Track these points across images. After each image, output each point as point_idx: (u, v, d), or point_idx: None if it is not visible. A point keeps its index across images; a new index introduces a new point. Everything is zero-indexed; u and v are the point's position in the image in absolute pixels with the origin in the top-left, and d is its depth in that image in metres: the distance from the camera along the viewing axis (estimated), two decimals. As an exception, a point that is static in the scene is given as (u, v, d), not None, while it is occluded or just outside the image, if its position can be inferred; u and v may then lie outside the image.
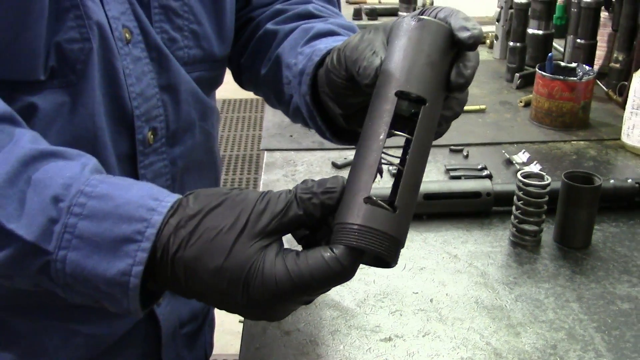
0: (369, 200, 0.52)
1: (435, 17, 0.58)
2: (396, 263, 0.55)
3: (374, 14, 2.61)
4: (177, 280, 0.54)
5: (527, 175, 1.00)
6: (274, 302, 0.53)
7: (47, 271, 0.54)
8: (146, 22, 0.72)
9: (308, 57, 0.75)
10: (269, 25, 0.86)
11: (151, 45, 0.73)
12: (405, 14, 2.60)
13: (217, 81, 0.87)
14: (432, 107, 0.56)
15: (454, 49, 0.57)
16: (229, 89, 1.10)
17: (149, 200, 0.54)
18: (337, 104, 0.69)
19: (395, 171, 0.61)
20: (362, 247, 0.52)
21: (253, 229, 0.52)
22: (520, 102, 1.55)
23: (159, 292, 0.58)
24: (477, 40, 0.58)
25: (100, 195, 0.54)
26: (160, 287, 0.56)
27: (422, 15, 0.58)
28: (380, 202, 0.53)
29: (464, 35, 0.57)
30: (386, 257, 0.53)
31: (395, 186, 0.56)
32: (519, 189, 0.99)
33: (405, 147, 0.56)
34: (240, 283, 0.52)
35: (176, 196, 0.55)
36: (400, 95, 0.55)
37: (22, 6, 0.60)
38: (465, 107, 1.60)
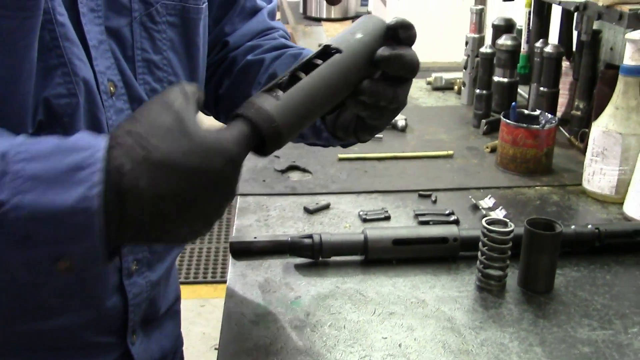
0: (265, 90, 0.66)
1: None
2: (270, 149, 0.66)
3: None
4: (149, 192, 0.54)
5: (491, 222, 1.03)
6: (240, 155, 0.60)
7: (4, 226, 0.53)
8: (130, 75, 0.77)
9: None
10: (250, 57, 0.97)
11: (134, 97, 0.79)
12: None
13: None
14: (345, 59, 0.70)
15: (386, 36, 0.73)
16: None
17: (87, 135, 0.58)
18: None
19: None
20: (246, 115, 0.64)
21: (189, 112, 0.59)
22: (487, 147, 1.60)
23: (120, 240, 0.58)
24: (399, 23, 0.73)
25: (41, 140, 0.56)
26: (126, 221, 0.56)
27: None
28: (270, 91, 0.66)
29: (391, 20, 0.73)
30: (260, 129, 0.63)
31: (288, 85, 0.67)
32: (484, 235, 1.02)
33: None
34: (213, 151, 0.57)
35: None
36: (324, 47, 0.71)
37: (13, 66, 0.64)
38: (433, 153, 1.65)
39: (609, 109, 1.31)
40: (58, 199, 0.53)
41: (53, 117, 0.69)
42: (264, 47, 0.98)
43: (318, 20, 3.62)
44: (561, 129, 1.68)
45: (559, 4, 1.55)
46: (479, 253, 1.04)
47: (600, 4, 1.34)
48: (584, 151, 1.46)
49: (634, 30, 1.26)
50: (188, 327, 2.79)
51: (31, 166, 0.54)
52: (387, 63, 0.71)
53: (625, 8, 1.28)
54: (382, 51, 0.71)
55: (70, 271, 0.56)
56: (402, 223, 1.24)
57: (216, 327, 2.79)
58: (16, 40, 0.64)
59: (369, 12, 3.57)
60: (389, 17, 2.56)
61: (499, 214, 1.25)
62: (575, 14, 1.51)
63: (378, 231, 1.11)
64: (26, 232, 0.53)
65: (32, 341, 0.77)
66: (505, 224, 1.03)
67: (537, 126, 1.44)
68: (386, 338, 0.92)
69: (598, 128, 1.32)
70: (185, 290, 3.03)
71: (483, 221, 1.03)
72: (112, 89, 0.76)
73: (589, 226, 1.14)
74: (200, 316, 2.85)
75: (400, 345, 0.90)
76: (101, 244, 0.55)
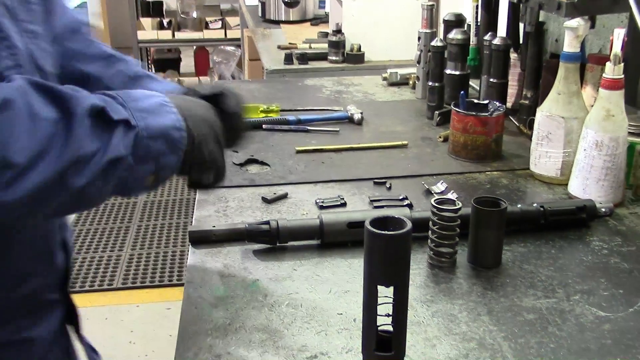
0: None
1: None
2: None
3: (304, 58, 2.72)
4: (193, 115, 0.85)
5: (441, 202, 1.08)
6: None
7: (137, 145, 0.75)
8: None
9: None
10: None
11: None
12: (333, 56, 2.70)
13: None
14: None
15: None
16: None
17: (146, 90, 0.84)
18: None
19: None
20: None
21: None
22: (440, 137, 1.65)
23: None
24: None
25: (127, 91, 0.81)
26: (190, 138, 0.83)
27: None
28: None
29: None
30: None
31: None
32: (434, 214, 1.07)
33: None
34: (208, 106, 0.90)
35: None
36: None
37: None
38: (389, 143, 1.69)
39: (551, 95, 1.37)
40: (162, 121, 0.78)
41: None
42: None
43: (277, 22, 3.65)
44: (511, 118, 1.75)
45: (504, -3, 1.61)
46: (430, 232, 1.08)
47: (541, -5, 1.40)
48: (532, 137, 1.52)
49: (572, 18, 1.32)
50: (155, 330, 2.78)
51: (137, 104, 0.77)
52: None
53: (564, -2, 1.34)
54: None
55: (153, 182, 0.80)
56: (357, 208, 1.27)
57: (183, 329, 2.79)
58: None
59: (326, 14, 3.62)
60: (346, 17, 2.59)
61: (451, 197, 1.30)
62: (521, 6, 1.57)
63: (333, 215, 1.15)
64: (147, 148, 0.76)
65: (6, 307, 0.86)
66: (453, 203, 1.07)
67: (486, 113, 1.50)
68: (342, 314, 0.95)
69: (542, 113, 1.38)
70: (151, 293, 3.04)
71: (432, 201, 1.07)
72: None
73: (534, 205, 1.19)
74: (167, 319, 2.85)
75: (355, 320, 0.94)
76: (180, 158, 0.81)
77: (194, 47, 6.17)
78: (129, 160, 0.74)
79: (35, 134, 0.66)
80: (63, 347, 1.01)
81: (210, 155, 0.86)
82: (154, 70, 6.21)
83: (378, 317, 0.81)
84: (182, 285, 3.08)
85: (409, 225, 0.79)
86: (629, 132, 1.29)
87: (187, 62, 6.54)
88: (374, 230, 0.78)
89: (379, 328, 0.82)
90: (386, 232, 0.77)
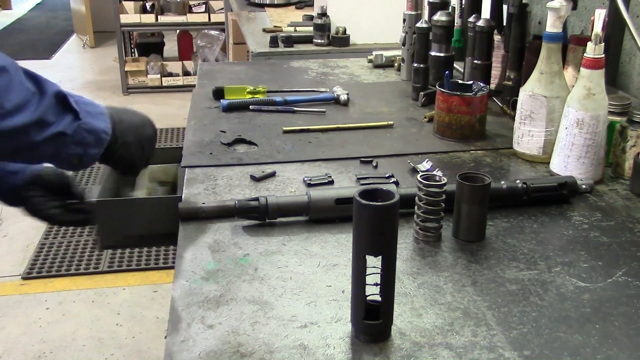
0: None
1: None
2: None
3: (290, 41, 2.73)
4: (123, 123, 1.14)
5: (427, 178, 1.10)
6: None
7: (76, 132, 1.02)
8: None
9: None
10: None
11: None
12: (318, 39, 2.71)
13: None
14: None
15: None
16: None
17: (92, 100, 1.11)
18: None
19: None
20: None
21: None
22: (425, 117, 1.68)
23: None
24: None
25: (79, 96, 1.07)
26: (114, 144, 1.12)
27: None
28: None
29: None
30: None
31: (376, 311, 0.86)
32: (420, 190, 1.09)
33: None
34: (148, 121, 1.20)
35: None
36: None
37: None
38: (375, 123, 1.71)
39: (534, 75, 1.40)
40: (97, 124, 1.06)
41: None
42: None
43: (261, 6, 3.65)
44: (494, 99, 1.77)
45: (488, -22, 1.63)
46: (416, 207, 1.10)
47: (524, -24, 1.42)
48: (515, 117, 1.54)
49: (555, -1, 1.35)
50: (142, 313, 2.80)
51: (86, 107, 1.05)
52: None
53: (547, -21, 1.36)
54: None
55: (77, 163, 1.06)
56: (345, 185, 1.29)
57: (170, 312, 2.81)
58: None
59: (311, -2, 3.62)
60: (331, 0, 2.59)
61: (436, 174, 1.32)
62: (504, -12, 1.59)
63: (321, 192, 1.17)
64: (82, 137, 1.03)
65: None
66: (439, 179, 1.10)
67: (470, 94, 1.52)
68: (330, 286, 0.98)
69: (525, 93, 1.41)
70: (137, 276, 3.06)
71: (418, 177, 1.10)
72: None
73: (517, 181, 1.22)
74: (154, 301, 2.86)
75: (343, 292, 0.96)
76: (101, 152, 1.08)
77: (177, 31, 6.14)
78: (68, 139, 1.01)
79: (20, 94, 0.94)
80: None
81: (128, 156, 1.15)
82: (137, 54, 6.17)
83: (367, 286, 0.84)
84: (168, 268, 3.11)
85: (397, 196, 0.81)
86: (609, 111, 1.32)
87: (171, 47, 6.50)
88: (363, 201, 0.80)
89: (368, 298, 0.85)
90: (374, 203, 0.80)
